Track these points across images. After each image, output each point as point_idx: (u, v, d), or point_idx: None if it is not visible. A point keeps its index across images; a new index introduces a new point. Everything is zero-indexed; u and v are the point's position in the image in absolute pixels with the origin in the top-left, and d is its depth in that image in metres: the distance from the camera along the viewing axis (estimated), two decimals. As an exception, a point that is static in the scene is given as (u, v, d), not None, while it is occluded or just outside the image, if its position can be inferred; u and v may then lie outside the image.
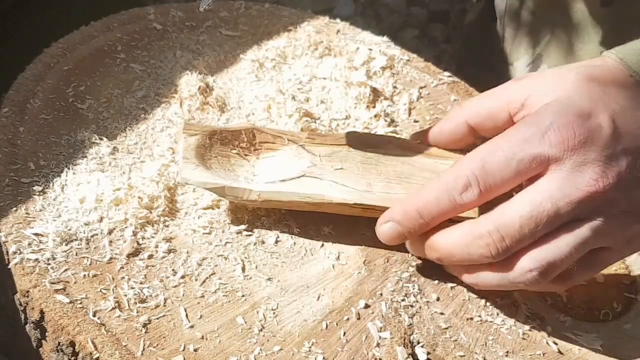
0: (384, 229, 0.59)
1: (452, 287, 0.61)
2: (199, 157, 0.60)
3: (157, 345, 0.53)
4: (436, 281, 0.61)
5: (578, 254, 0.55)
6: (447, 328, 0.58)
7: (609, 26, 0.82)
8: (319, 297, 0.58)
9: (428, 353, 0.56)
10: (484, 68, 0.99)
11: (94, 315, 0.54)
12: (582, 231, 0.55)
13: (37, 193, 0.61)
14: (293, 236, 0.62)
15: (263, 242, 0.61)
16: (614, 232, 0.56)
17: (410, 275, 0.61)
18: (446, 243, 0.57)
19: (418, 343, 0.57)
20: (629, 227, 0.56)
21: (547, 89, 0.58)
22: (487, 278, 0.57)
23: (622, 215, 0.55)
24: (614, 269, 0.65)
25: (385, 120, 0.74)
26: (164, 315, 0.55)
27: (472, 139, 0.63)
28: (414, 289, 0.60)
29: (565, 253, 0.55)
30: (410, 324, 0.58)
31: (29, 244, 0.57)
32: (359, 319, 0.57)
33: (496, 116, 0.60)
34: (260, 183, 0.60)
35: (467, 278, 0.59)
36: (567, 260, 0.55)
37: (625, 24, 0.81)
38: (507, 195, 0.56)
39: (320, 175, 0.61)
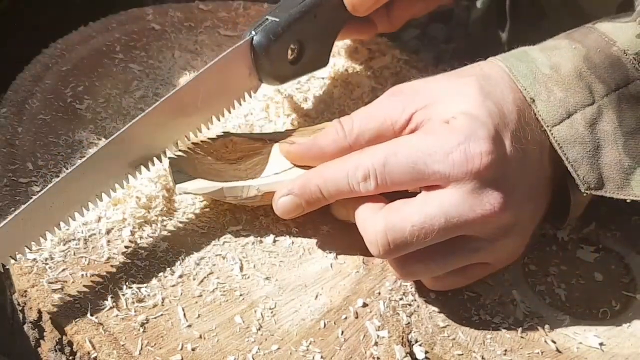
0: (283, 201, 0.59)
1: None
2: (188, 168, 0.60)
3: (155, 344, 0.53)
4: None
5: (453, 267, 0.57)
6: (445, 327, 0.58)
7: None
8: (317, 296, 0.58)
9: (426, 352, 0.56)
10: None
11: (92, 315, 0.54)
12: (466, 249, 0.57)
13: (36, 193, 0.61)
14: (291, 235, 0.62)
15: (261, 242, 0.61)
16: (497, 253, 0.58)
17: (409, 274, 0.61)
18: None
19: (416, 342, 0.57)
20: (513, 248, 0.59)
21: (449, 99, 0.57)
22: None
23: (509, 238, 0.57)
24: (613, 267, 0.65)
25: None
26: (161, 315, 0.55)
27: None
28: (412, 287, 0.60)
29: (440, 264, 0.57)
30: (409, 323, 0.58)
31: (27, 244, 0.57)
32: (357, 317, 0.57)
33: (383, 135, 0.59)
34: (256, 179, 0.60)
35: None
36: (439, 270, 0.57)
37: None
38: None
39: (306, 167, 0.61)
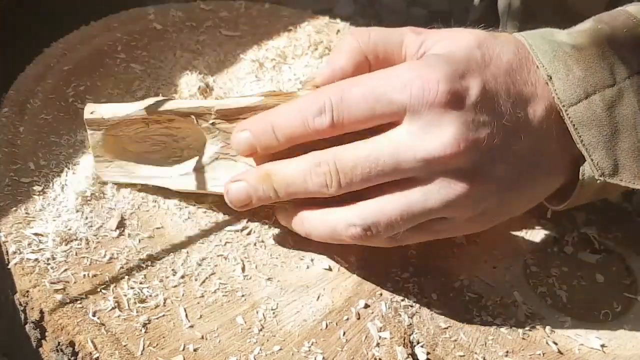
0: (239, 137, 0.57)
1: (452, 287, 0.61)
2: (111, 151, 0.59)
3: (157, 345, 0.53)
4: (436, 281, 0.61)
5: (407, 222, 0.54)
6: (446, 328, 0.58)
7: None
8: (318, 297, 0.58)
9: (428, 353, 0.56)
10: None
11: (94, 315, 0.54)
12: (414, 195, 0.54)
13: (37, 193, 0.61)
14: (293, 236, 0.62)
15: (263, 242, 0.61)
16: (451, 205, 0.54)
17: (410, 275, 0.61)
18: (286, 168, 0.56)
19: (418, 343, 0.57)
20: (470, 203, 0.55)
21: (439, 43, 0.57)
22: (317, 225, 0.57)
23: (465, 190, 0.54)
24: (614, 268, 0.65)
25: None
26: (163, 315, 0.55)
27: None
28: (414, 288, 0.60)
29: (392, 217, 0.54)
30: (410, 324, 0.58)
31: (29, 244, 0.57)
32: (358, 318, 0.57)
33: (391, 54, 0.59)
34: (175, 176, 0.60)
35: (296, 225, 0.59)
36: (393, 225, 0.54)
37: None
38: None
39: (235, 157, 0.59)
